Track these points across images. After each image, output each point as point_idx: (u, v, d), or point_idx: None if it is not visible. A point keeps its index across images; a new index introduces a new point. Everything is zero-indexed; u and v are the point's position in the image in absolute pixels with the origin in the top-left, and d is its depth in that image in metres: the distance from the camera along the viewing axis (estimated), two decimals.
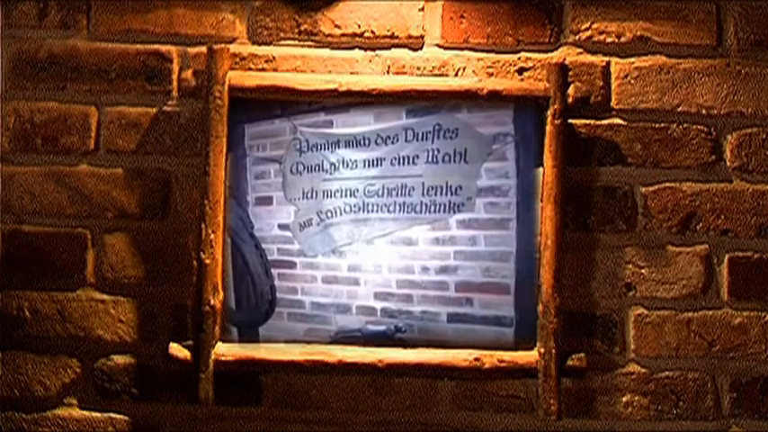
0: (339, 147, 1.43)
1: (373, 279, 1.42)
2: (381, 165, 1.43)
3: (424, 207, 1.42)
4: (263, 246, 1.42)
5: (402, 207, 1.42)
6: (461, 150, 1.41)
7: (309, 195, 1.43)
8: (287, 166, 1.43)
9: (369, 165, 1.43)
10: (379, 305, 1.42)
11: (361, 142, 1.43)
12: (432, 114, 1.42)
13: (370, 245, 1.42)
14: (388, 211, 1.42)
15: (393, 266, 1.42)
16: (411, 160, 1.42)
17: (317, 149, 1.43)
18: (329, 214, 1.43)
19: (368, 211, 1.42)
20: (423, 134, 1.42)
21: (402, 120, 1.42)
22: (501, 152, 1.41)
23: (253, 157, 1.43)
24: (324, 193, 1.43)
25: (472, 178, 1.41)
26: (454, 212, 1.41)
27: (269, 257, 1.42)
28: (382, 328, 1.41)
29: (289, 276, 1.42)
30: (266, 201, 1.43)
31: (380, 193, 1.42)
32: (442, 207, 1.41)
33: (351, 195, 1.43)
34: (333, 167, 1.43)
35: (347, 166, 1.43)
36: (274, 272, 1.42)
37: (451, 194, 1.41)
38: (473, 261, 1.40)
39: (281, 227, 1.43)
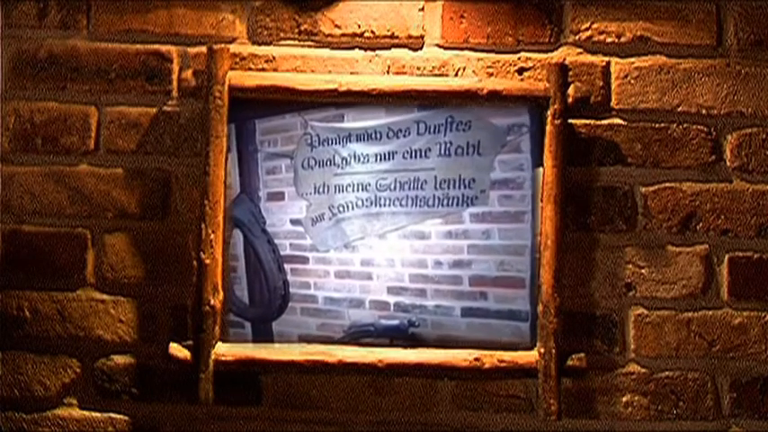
0: (350, 141, 1.43)
1: (386, 273, 1.42)
2: (393, 158, 1.42)
3: (436, 200, 1.42)
4: (276, 241, 1.42)
5: (414, 201, 1.42)
6: (474, 143, 1.41)
7: (321, 190, 1.43)
8: (298, 161, 1.43)
9: (380, 158, 1.43)
10: (392, 299, 1.41)
11: (373, 136, 1.42)
12: (444, 106, 1.42)
13: (383, 239, 1.42)
14: (401, 204, 1.42)
15: (406, 261, 1.41)
16: (423, 153, 1.42)
17: (328, 144, 1.43)
18: (341, 209, 1.42)
19: (380, 206, 1.42)
20: (435, 127, 1.42)
21: (414, 113, 1.42)
22: (515, 144, 1.41)
23: (264, 153, 1.43)
24: (335, 187, 1.43)
25: (485, 171, 1.41)
26: (467, 206, 1.41)
27: (281, 252, 1.42)
28: (395, 322, 1.41)
29: (301, 271, 1.43)
30: (278, 196, 1.43)
31: (392, 186, 1.42)
32: (455, 200, 1.41)
33: (363, 189, 1.42)
34: (344, 162, 1.43)
35: (359, 160, 1.43)
36: (287, 267, 1.42)
37: (465, 188, 1.41)
38: (487, 255, 1.40)
39: (293, 222, 1.43)
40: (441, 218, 1.41)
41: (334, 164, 1.43)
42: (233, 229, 1.42)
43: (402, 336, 1.41)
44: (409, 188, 1.42)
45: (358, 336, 1.41)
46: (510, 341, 1.39)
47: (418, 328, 1.41)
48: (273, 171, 1.43)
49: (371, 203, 1.42)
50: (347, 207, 1.42)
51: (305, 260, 1.43)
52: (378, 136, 1.42)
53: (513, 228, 1.40)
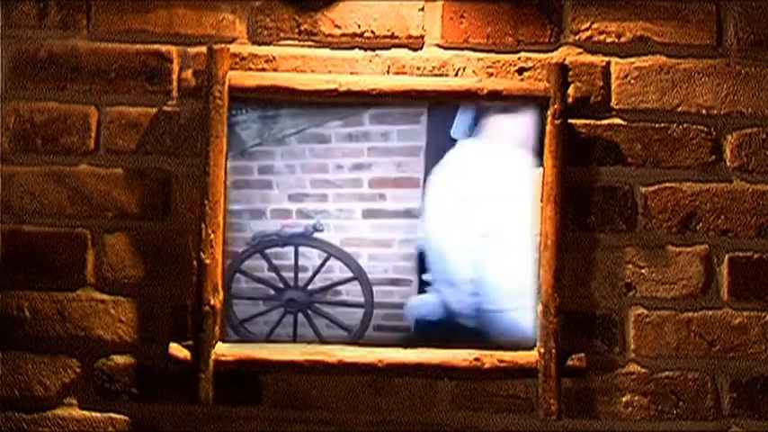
0: None
1: (287, 180, 1.39)
2: None
3: None
4: None
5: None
6: None
7: None
8: None
9: None
10: (294, 207, 1.39)
11: None
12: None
13: (281, 144, 1.39)
14: (300, 106, 1.39)
15: (306, 166, 1.39)
16: None
17: None
18: (233, 113, 1.38)
19: (277, 108, 1.39)
20: None
21: None
22: None
23: None
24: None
25: None
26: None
27: None
28: (300, 229, 1.39)
29: None
30: None
31: None
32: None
33: None
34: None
35: None
36: None
37: None
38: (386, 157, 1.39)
39: None
40: (341, 120, 1.39)
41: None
42: None
43: (307, 241, 1.39)
44: None
45: (263, 246, 1.38)
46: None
47: (322, 233, 1.39)
48: None
49: (265, 106, 1.39)
50: (240, 111, 1.39)
51: None
52: None
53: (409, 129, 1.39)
